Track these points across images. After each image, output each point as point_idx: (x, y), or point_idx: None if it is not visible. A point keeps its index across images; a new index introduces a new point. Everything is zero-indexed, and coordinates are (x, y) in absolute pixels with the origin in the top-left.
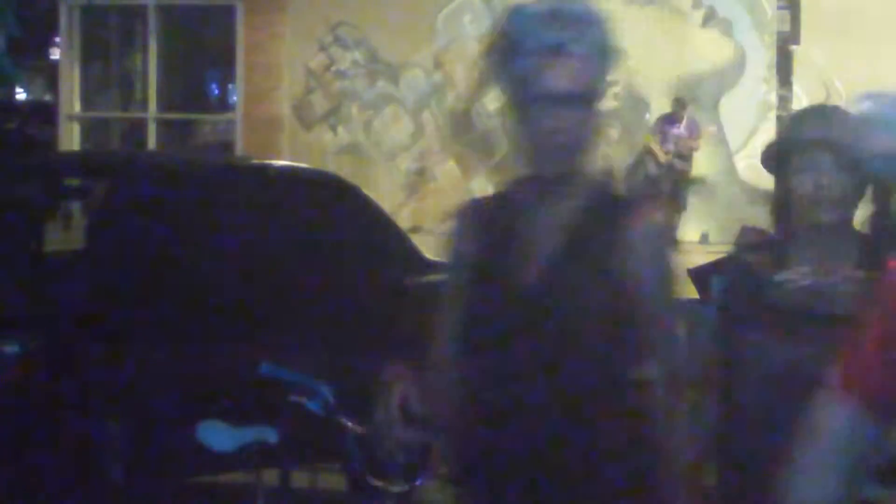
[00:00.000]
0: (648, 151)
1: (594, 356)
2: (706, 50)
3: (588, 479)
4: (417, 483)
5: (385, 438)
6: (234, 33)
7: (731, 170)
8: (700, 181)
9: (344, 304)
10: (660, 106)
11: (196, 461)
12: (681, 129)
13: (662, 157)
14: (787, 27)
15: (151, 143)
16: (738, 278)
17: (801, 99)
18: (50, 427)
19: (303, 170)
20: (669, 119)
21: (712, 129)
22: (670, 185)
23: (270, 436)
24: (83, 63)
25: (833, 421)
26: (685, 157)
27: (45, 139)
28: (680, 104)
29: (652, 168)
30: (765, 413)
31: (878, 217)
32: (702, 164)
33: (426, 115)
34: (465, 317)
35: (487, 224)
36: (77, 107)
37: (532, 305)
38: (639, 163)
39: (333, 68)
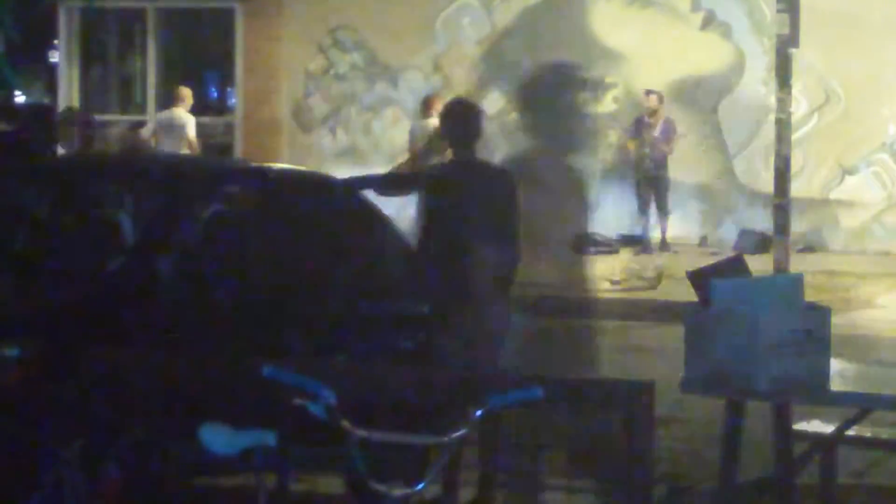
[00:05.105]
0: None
1: None
2: (705, 53)
3: None
4: (419, 487)
5: None
6: (233, 36)
7: (729, 172)
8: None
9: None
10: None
11: (197, 464)
12: (656, 132)
13: (634, 153)
14: (786, 30)
15: (151, 144)
16: None
17: (800, 102)
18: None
19: (301, 173)
20: (644, 120)
21: (683, 132)
22: (651, 191)
23: (272, 439)
24: (82, 66)
25: None
26: (660, 162)
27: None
28: (655, 97)
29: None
30: None
31: None
32: (700, 167)
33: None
34: None
35: None
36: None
37: None
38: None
39: (332, 71)
